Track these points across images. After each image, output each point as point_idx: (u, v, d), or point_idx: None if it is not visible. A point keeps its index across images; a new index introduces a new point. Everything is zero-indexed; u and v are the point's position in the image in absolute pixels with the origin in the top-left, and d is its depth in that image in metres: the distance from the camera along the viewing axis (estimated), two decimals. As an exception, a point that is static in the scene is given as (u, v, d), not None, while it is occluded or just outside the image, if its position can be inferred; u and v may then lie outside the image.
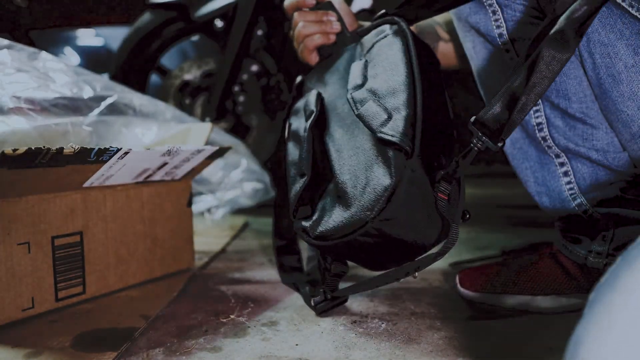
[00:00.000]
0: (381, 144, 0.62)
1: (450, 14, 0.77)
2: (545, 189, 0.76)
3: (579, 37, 0.53)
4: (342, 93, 0.74)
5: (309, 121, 0.74)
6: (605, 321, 0.31)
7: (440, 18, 0.88)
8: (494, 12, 0.68)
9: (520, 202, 1.60)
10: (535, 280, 0.74)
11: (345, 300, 0.75)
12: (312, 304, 0.73)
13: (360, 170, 0.63)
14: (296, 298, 0.79)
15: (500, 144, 0.58)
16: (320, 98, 0.76)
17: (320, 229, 0.65)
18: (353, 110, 0.67)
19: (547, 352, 0.60)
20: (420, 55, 0.67)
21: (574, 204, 0.74)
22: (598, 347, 0.30)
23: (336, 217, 0.64)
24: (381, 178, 0.59)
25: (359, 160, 0.64)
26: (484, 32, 0.70)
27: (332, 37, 0.81)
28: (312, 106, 0.75)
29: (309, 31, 0.81)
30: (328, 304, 0.73)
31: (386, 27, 0.73)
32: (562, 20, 0.54)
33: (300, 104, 0.81)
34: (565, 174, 0.73)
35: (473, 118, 0.58)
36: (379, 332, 0.67)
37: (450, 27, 0.87)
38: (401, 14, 0.73)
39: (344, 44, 0.80)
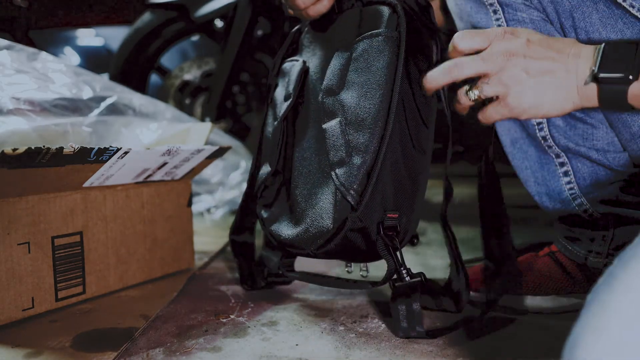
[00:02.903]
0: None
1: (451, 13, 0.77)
2: (546, 189, 0.76)
3: None
4: (323, 76, 0.70)
5: (284, 109, 0.72)
6: (601, 322, 0.31)
7: None
8: (495, 12, 0.68)
9: (520, 202, 1.59)
10: (535, 281, 0.74)
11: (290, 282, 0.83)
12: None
13: (314, 188, 0.66)
14: (296, 298, 0.79)
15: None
16: (303, 74, 0.73)
17: (272, 228, 0.71)
18: (322, 118, 0.67)
19: (546, 352, 0.60)
20: (408, 69, 0.64)
21: (574, 204, 0.74)
22: (594, 348, 0.30)
23: (285, 229, 0.69)
24: (324, 217, 0.63)
25: (315, 178, 0.67)
26: None
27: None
28: (292, 87, 0.73)
29: None
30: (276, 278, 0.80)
31: (383, 18, 0.65)
32: None
33: (288, 66, 0.77)
34: (566, 173, 0.73)
35: None
36: (379, 332, 0.66)
37: None
38: None
39: (347, 6, 0.72)
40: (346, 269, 0.74)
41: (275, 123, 0.74)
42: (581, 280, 0.72)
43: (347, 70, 0.66)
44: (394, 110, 0.61)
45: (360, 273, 0.73)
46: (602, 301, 0.32)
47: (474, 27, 0.71)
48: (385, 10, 0.66)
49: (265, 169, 0.75)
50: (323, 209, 0.63)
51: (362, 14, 0.69)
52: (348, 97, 0.64)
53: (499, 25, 0.69)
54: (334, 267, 0.95)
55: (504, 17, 0.68)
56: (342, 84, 0.66)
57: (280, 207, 0.73)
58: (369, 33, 0.65)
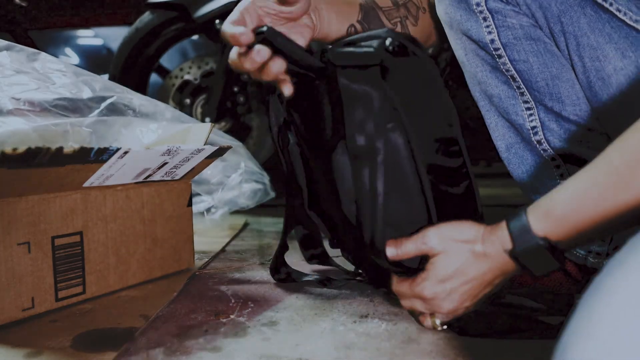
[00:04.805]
0: None
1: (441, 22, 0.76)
2: (544, 193, 0.76)
3: None
4: None
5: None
6: (589, 326, 0.31)
7: None
8: (484, 19, 0.68)
9: (520, 202, 1.60)
10: (534, 281, 0.74)
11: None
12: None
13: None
14: (296, 298, 0.79)
15: None
16: None
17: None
18: None
19: (546, 353, 0.60)
20: None
21: (572, 205, 0.74)
22: (583, 351, 0.30)
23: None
24: None
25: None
26: (476, 39, 0.70)
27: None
28: None
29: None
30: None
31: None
32: None
33: None
34: (562, 176, 0.73)
35: None
36: (379, 332, 0.67)
37: None
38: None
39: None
40: None
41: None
42: (581, 280, 0.72)
43: None
44: None
45: None
46: (591, 305, 0.32)
47: (465, 35, 0.71)
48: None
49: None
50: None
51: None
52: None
53: (490, 32, 0.68)
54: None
55: (494, 23, 0.68)
56: None
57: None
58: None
